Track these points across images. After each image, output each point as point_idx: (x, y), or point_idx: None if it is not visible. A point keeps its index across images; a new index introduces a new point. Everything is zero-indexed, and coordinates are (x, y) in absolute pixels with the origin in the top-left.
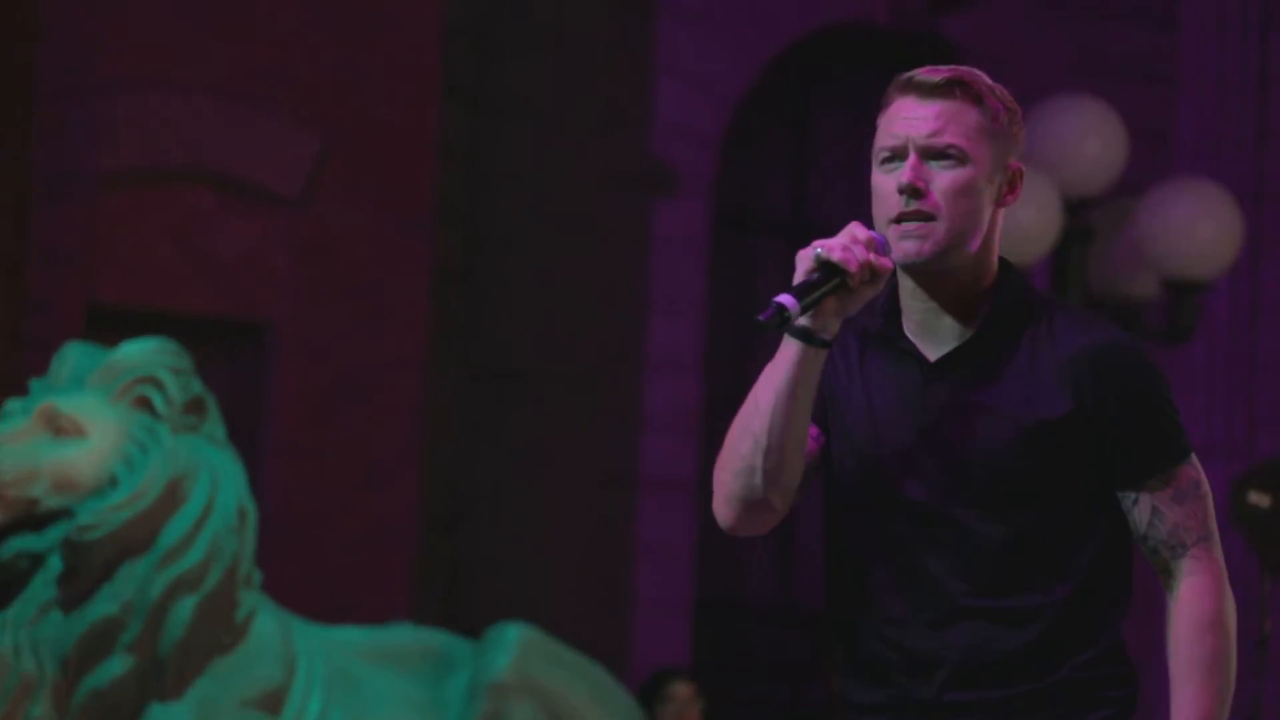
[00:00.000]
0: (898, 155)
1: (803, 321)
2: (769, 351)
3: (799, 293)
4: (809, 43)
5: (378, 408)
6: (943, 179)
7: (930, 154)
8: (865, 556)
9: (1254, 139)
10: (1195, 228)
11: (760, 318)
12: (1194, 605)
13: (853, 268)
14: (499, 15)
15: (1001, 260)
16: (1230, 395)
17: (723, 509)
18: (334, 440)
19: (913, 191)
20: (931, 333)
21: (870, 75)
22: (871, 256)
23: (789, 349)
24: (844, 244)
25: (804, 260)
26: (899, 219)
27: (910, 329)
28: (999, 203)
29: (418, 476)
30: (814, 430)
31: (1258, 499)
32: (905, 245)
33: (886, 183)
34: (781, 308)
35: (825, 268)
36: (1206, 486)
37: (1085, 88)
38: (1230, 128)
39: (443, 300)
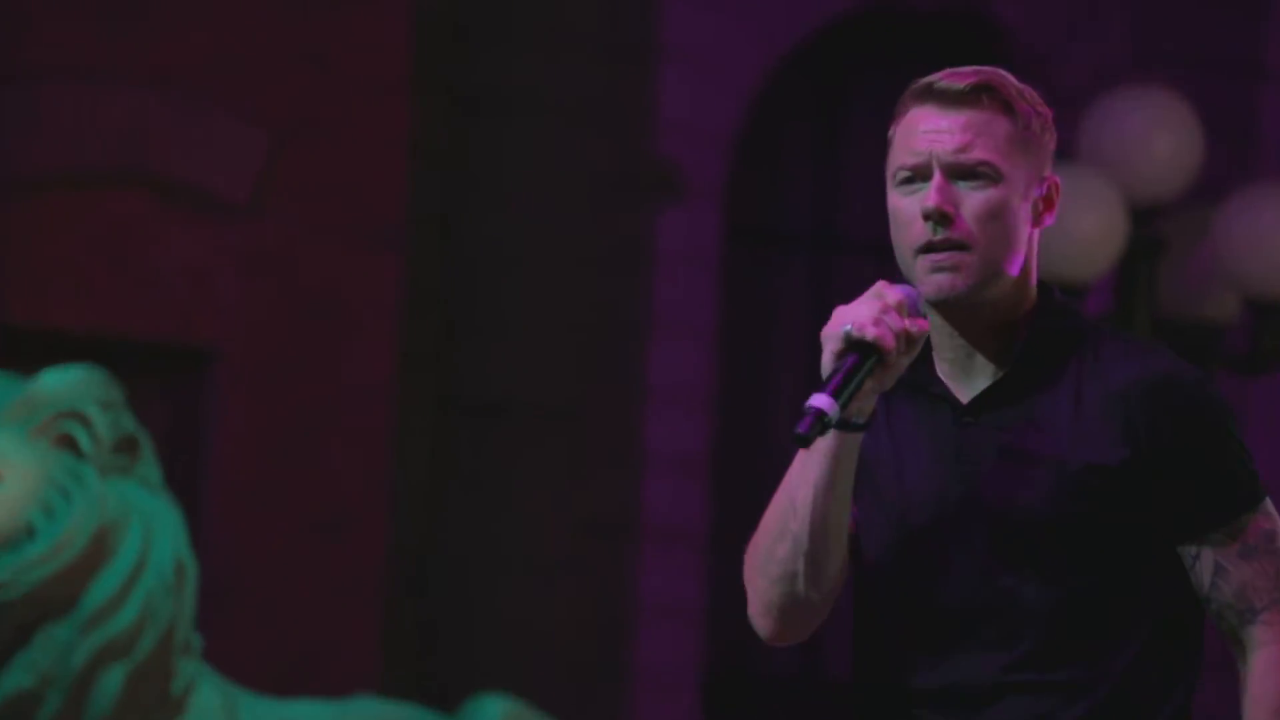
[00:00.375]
0: (920, 175)
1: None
2: (790, 383)
3: (835, 389)
4: (838, 28)
5: (339, 447)
6: (973, 201)
7: (958, 172)
8: (896, 626)
9: None
10: None
11: (799, 430)
12: (1268, 682)
13: (889, 345)
14: None
15: (1042, 285)
16: None
17: (763, 619)
18: (288, 484)
19: (940, 218)
20: (966, 372)
21: (909, 65)
22: (907, 323)
23: (824, 440)
24: (874, 316)
25: (831, 341)
26: (926, 249)
27: (943, 370)
28: (1036, 222)
29: (385, 525)
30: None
31: None
32: (936, 280)
33: (908, 206)
34: (820, 414)
35: (858, 348)
36: None
37: (1155, 78)
38: None
39: (415, 323)
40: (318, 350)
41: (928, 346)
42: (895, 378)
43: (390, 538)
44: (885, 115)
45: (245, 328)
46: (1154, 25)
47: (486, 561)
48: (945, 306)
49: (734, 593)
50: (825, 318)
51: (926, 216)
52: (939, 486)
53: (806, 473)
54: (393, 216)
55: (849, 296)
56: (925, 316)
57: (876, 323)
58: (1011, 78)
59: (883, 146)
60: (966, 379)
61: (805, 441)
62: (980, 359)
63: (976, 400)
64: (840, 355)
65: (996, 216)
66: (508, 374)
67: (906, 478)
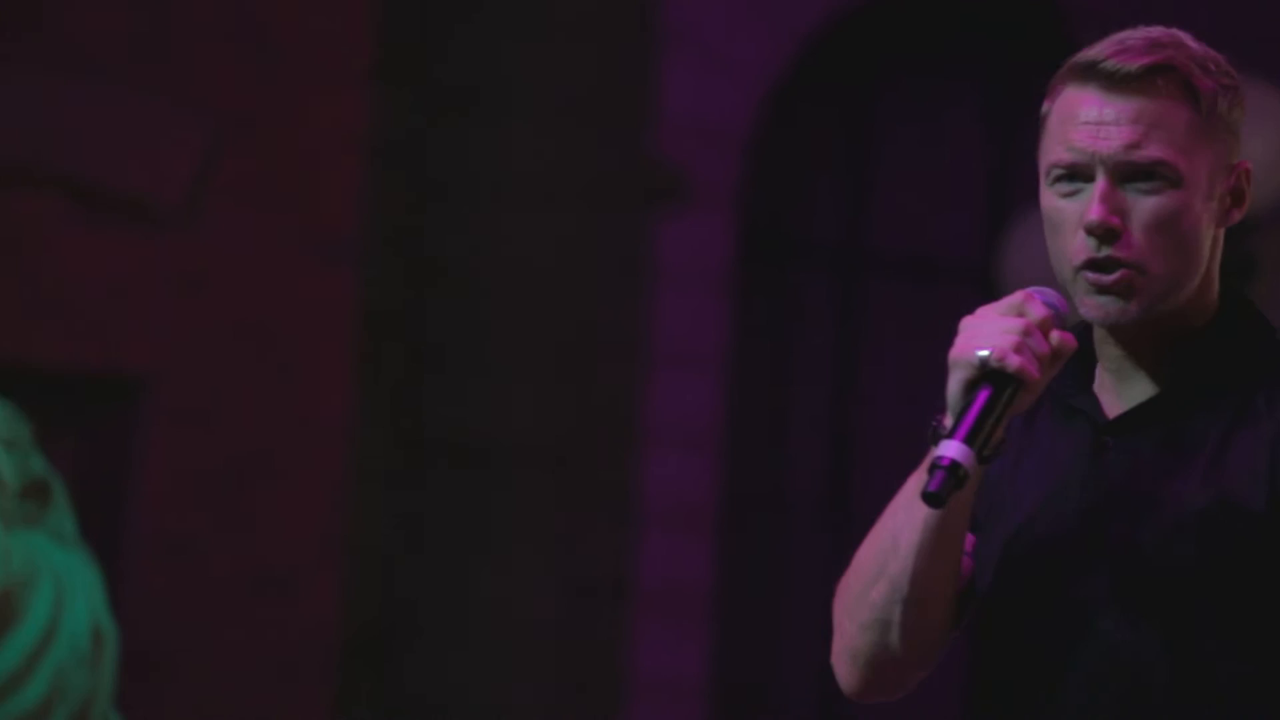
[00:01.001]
0: (1079, 175)
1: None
2: (811, 422)
3: (968, 433)
4: (868, 13)
5: (285, 494)
6: (1145, 209)
7: (1128, 174)
8: (999, 686)
9: None
10: None
11: (931, 489)
12: None
13: (1034, 375)
14: None
15: (1231, 291)
16: None
17: (847, 669)
18: (224, 536)
19: (1106, 233)
20: (1123, 384)
21: (950, 55)
22: (1054, 343)
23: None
24: (1016, 342)
25: (962, 368)
26: (1090, 266)
27: (1100, 379)
28: (1222, 221)
29: (337, 585)
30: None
31: None
32: (1101, 304)
33: (1066, 212)
34: (955, 468)
35: (995, 379)
36: None
37: (1247, 68)
38: None
39: (374, 350)
40: (261, 381)
41: (1086, 351)
42: (1033, 401)
43: (344, 599)
44: (924, 111)
45: (177, 354)
46: (1246, 7)
47: (456, 628)
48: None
49: (740, 667)
50: (851, 345)
51: (1090, 231)
52: (1060, 517)
53: (913, 511)
54: (349, 227)
55: (878, 320)
56: (1067, 327)
57: (1019, 349)
58: (1193, 44)
59: (921, 146)
60: (1122, 392)
61: (939, 502)
62: (1141, 372)
63: (1122, 419)
64: (971, 386)
65: (1174, 226)
66: (482, 410)
67: (1026, 503)
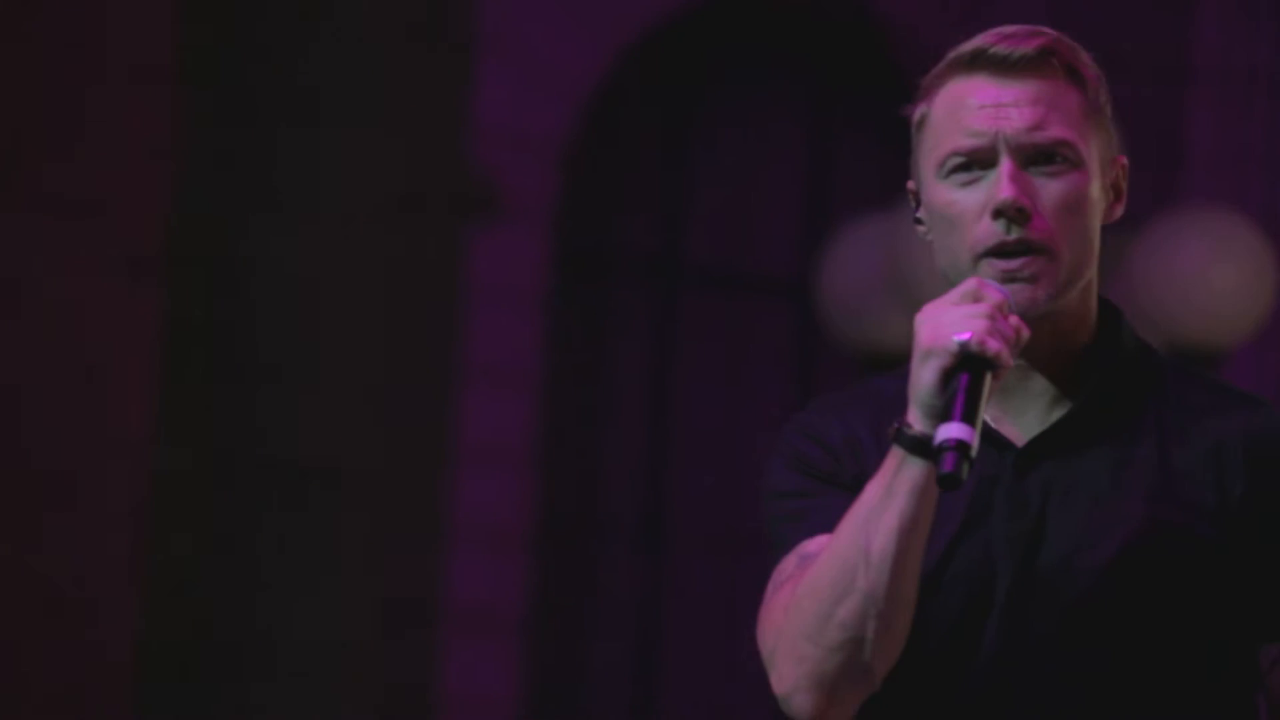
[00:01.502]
0: (979, 161)
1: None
2: (628, 440)
3: (964, 413)
4: (687, 20)
5: (81, 516)
6: (1053, 191)
7: (1031, 156)
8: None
9: None
10: (1211, 275)
11: (946, 470)
12: None
13: (1009, 359)
14: None
15: (1101, 299)
16: None
17: (808, 695)
18: (15, 562)
19: (1018, 214)
20: (1021, 402)
21: (773, 64)
22: (1016, 326)
23: (907, 475)
24: (988, 326)
25: (938, 356)
26: (997, 252)
27: (991, 400)
28: (1107, 216)
29: (137, 612)
30: None
31: None
32: (1014, 293)
33: (964, 203)
34: (964, 447)
35: (970, 364)
36: None
37: None
38: (1259, 137)
39: (177, 367)
40: (56, 400)
41: None
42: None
43: (144, 626)
44: (744, 123)
45: None
46: (1065, 18)
47: (262, 653)
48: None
49: (553, 687)
50: (667, 359)
51: (1000, 212)
52: (983, 547)
53: (886, 518)
54: (151, 239)
55: (696, 334)
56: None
57: (992, 333)
58: (1068, 38)
59: (741, 159)
60: (1020, 411)
61: (956, 483)
62: (1038, 388)
63: (1039, 440)
64: (949, 374)
65: (1078, 209)
66: (290, 427)
67: (938, 535)
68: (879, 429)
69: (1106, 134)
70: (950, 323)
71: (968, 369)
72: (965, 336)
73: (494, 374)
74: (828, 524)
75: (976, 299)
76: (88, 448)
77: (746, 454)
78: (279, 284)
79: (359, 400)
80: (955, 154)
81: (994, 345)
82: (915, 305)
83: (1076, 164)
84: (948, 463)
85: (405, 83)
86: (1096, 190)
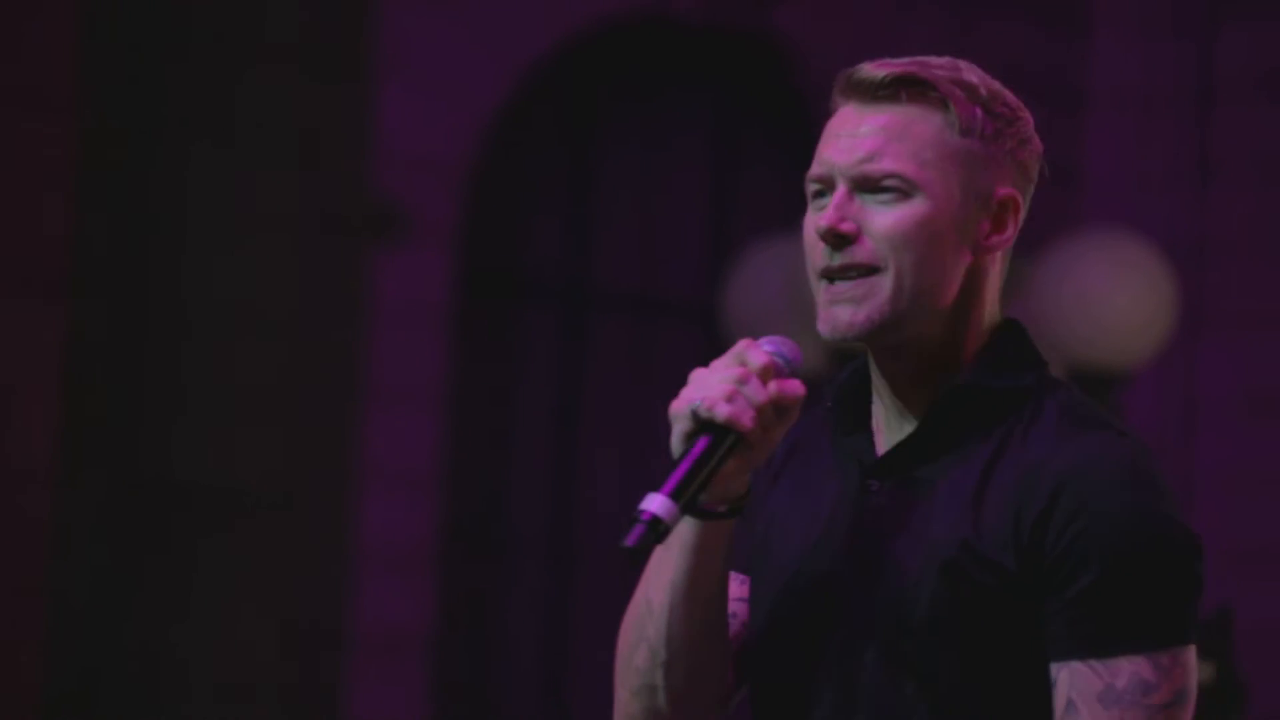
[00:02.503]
0: (827, 188)
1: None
2: (535, 463)
3: (675, 486)
4: (592, 41)
5: None
6: (878, 219)
7: (864, 185)
8: None
9: (1193, 175)
10: (1111, 298)
11: (627, 544)
12: None
13: (746, 425)
14: None
15: (1006, 324)
16: None
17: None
18: None
19: (836, 239)
20: (891, 422)
21: (674, 85)
22: (772, 392)
23: (678, 531)
24: (728, 390)
25: (679, 420)
26: (826, 275)
27: (875, 417)
28: (982, 246)
29: (41, 640)
30: (736, 587)
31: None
32: (834, 314)
33: (811, 225)
34: (656, 522)
35: (710, 429)
36: (1171, 698)
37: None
38: (1156, 160)
39: (80, 390)
40: None
41: (869, 381)
42: (769, 451)
43: (48, 655)
44: (648, 143)
45: None
46: (961, 43)
47: (169, 681)
48: (865, 343)
49: (461, 708)
50: (574, 382)
51: (822, 238)
52: (823, 562)
53: (663, 571)
54: (54, 261)
55: (602, 355)
56: (798, 375)
57: (731, 398)
58: (970, 73)
59: (645, 179)
60: (890, 430)
61: (635, 557)
62: (907, 408)
63: (881, 460)
64: (690, 437)
65: (911, 238)
66: (194, 453)
67: (793, 547)
68: (789, 455)
69: (981, 166)
70: (699, 386)
71: (707, 433)
72: (697, 401)
73: (400, 395)
74: (733, 560)
75: (738, 363)
76: None
77: (652, 474)
78: (186, 307)
79: (265, 423)
80: (811, 181)
81: (724, 411)
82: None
83: (909, 194)
84: (631, 536)
85: (310, 106)
86: (946, 219)
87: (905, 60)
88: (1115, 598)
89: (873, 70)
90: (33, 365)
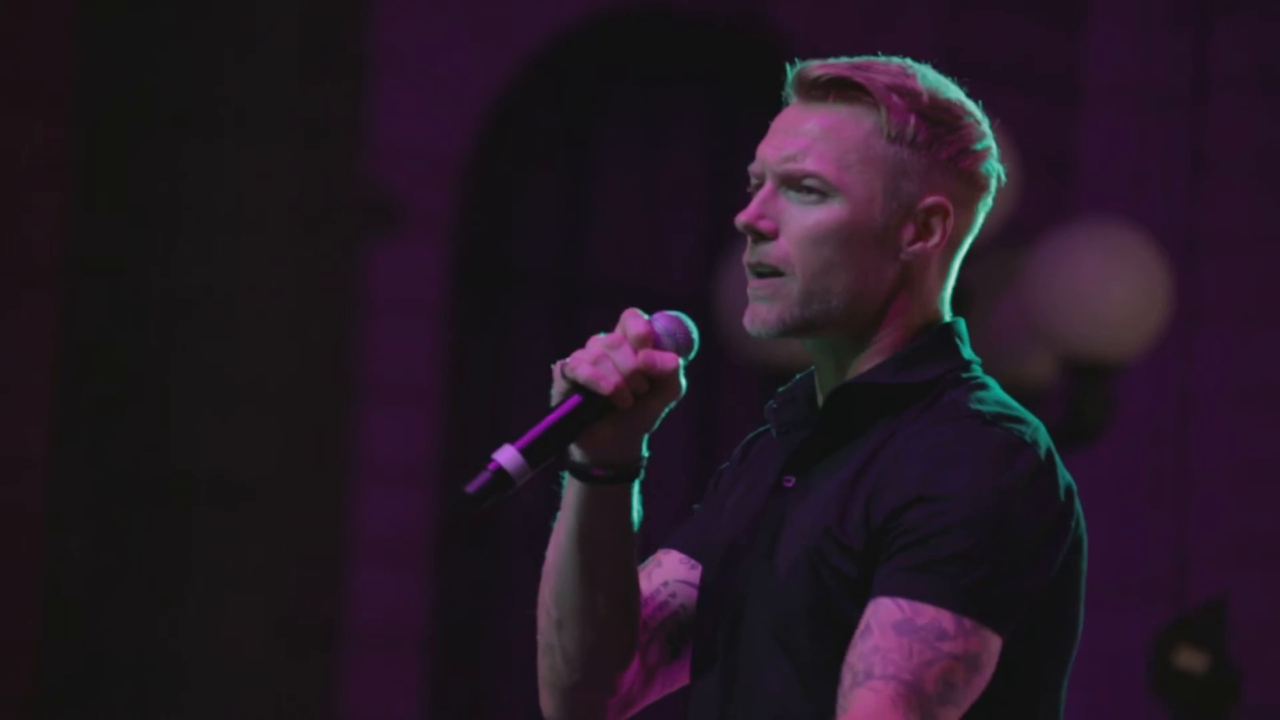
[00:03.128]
0: (760, 183)
1: (576, 456)
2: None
3: (530, 441)
4: (585, 33)
5: None
6: (795, 218)
7: (788, 183)
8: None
9: (1188, 168)
10: (1106, 290)
11: (468, 489)
12: None
13: (607, 388)
14: None
15: (936, 325)
16: (1151, 517)
17: (541, 694)
18: None
19: (754, 235)
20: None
21: (670, 77)
22: (638, 363)
23: (569, 491)
24: (595, 355)
25: (556, 381)
26: (748, 268)
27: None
28: (906, 252)
29: (34, 630)
30: (685, 570)
31: (1190, 660)
32: (751, 311)
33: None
34: (500, 474)
35: (580, 390)
36: (961, 653)
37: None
38: (1152, 153)
39: (75, 383)
40: None
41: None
42: (654, 420)
43: (41, 645)
44: (644, 135)
45: None
46: (960, 35)
47: (162, 672)
48: (792, 339)
49: (454, 705)
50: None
51: (743, 232)
52: (740, 555)
53: (556, 531)
54: (48, 253)
55: None
56: (683, 352)
57: (597, 361)
58: (916, 74)
59: (641, 171)
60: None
61: (476, 503)
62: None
63: (792, 457)
64: (565, 396)
65: (825, 240)
66: (188, 446)
67: (722, 540)
68: (752, 440)
69: (909, 170)
70: (580, 350)
71: (579, 393)
72: (567, 361)
73: (394, 388)
74: (685, 543)
75: (619, 329)
76: None
77: (648, 464)
78: (178, 300)
79: (258, 415)
80: (750, 174)
81: (585, 372)
82: None
83: (826, 195)
84: (473, 483)
85: (304, 98)
86: (863, 223)
87: (847, 62)
88: (937, 554)
89: (813, 70)
90: (27, 358)
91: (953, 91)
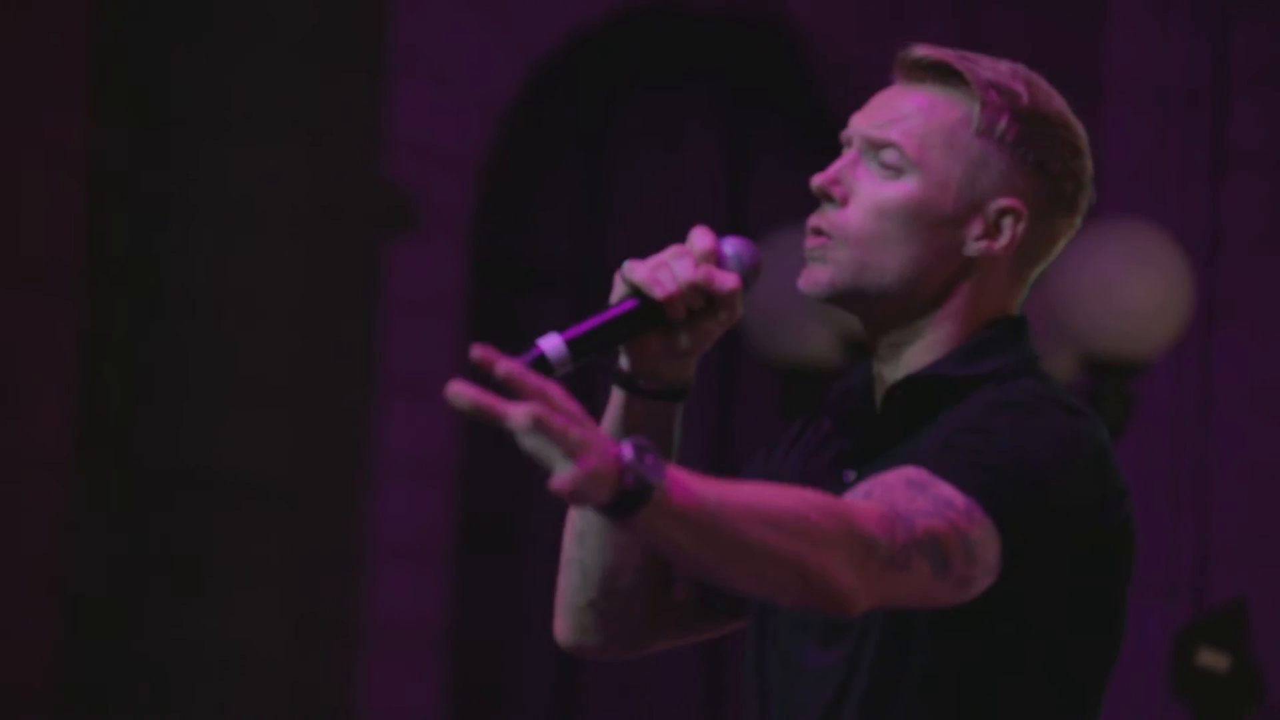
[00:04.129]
0: (846, 148)
1: (623, 364)
2: None
3: (578, 332)
4: (603, 32)
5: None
6: (870, 190)
7: (870, 150)
8: (744, 699)
9: (1209, 167)
10: (1127, 288)
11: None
12: (787, 495)
13: (662, 293)
14: None
15: (997, 320)
16: (1172, 515)
17: (555, 616)
18: None
19: (823, 195)
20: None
21: (686, 76)
22: (697, 276)
23: (612, 398)
24: (657, 261)
25: (616, 286)
26: (809, 228)
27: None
28: (970, 247)
29: (55, 626)
30: None
31: (1211, 659)
32: (807, 269)
33: None
34: (541, 360)
35: (637, 294)
36: (963, 525)
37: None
38: (1173, 152)
39: (95, 379)
40: None
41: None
42: (708, 341)
43: (62, 643)
44: (661, 133)
45: None
46: (977, 33)
47: (181, 669)
48: (844, 309)
49: (477, 704)
50: (588, 373)
51: (814, 191)
52: None
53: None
54: (68, 253)
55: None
56: (747, 276)
57: (657, 267)
58: (1020, 78)
59: (657, 169)
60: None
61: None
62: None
63: (852, 451)
64: (621, 298)
65: (890, 214)
66: (208, 442)
67: None
68: (789, 444)
69: (990, 166)
70: (634, 262)
71: (635, 297)
72: (626, 265)
73: (413, 387)
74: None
75: (688, 241)
76: (5, 463)
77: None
78: (198, 298)
79: (277, 414)
80: (841, 141)
81: (641, 273)
82: (834, 316)
83: (904, 170)
84: (523, 355)
85: (322, 97)
86: (932, 207)
87: (955, 51)
88: (961, 448)
89: (917, 51)
90: (46, 357)
91: (1057, 103)
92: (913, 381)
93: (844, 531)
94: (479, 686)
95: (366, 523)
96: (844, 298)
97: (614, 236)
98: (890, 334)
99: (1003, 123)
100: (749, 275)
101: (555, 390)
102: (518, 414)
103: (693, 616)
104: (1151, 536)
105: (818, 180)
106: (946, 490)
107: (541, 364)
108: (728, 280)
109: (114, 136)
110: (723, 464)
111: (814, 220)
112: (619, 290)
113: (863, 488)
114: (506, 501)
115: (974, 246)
